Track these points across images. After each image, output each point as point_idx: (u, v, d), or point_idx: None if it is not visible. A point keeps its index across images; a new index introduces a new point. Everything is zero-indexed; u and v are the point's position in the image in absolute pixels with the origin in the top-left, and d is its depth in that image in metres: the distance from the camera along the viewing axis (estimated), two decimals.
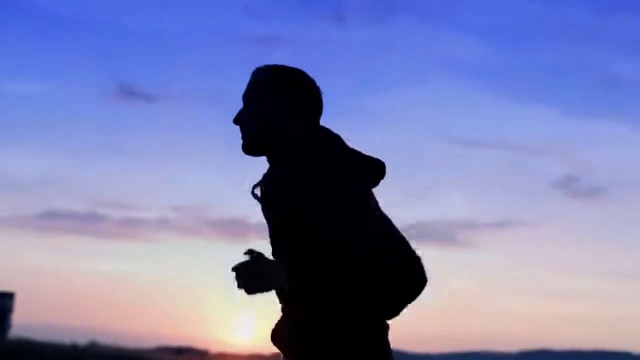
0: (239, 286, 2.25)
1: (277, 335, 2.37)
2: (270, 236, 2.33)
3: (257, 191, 2.35)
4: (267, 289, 2.27)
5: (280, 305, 2.38)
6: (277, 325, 2.38)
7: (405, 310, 2.32)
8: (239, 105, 2.49)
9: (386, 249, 2.27)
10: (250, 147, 2.44)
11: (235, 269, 2.25)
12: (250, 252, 2.27)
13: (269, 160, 2.43)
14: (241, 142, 2.45)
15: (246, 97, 2.47)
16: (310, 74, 2.49)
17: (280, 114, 2.41)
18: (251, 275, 2.24)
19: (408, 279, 2.30)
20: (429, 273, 2.33)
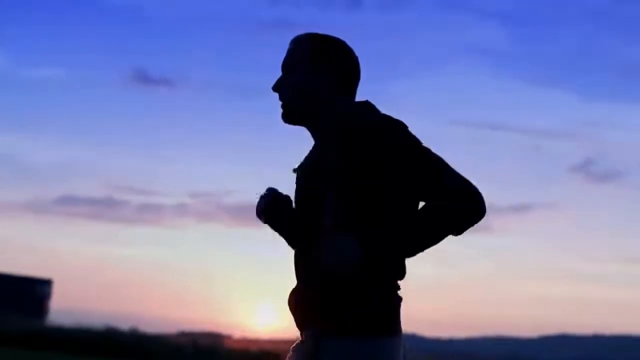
0: (260, 207, 2.46)
1: (294, 301, 2.42)
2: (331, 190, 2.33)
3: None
4: (275, 228, 2.48)
5: (295, 272, 2.43)
6: (293, 290, 2.43)
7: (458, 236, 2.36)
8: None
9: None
10: (290, 117, 2.47)
11: (269, 190, 2.46)
12: (295, 169, 2.48)
13: (311, 129, 2.48)
14: (280, 111, 2.48)
15: (285, 66, 2.49)
16: None
17: (319, 85, 2.43)
18: (272, 206, 2.44)
19: (462, 210, 2.32)
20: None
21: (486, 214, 2.35)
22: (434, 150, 2.38)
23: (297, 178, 2.51)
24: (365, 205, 2.31)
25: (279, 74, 2.51)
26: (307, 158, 2.52)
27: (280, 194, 2.48)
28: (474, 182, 2.35)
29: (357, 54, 2.50)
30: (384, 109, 2.43)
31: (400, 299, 2.38)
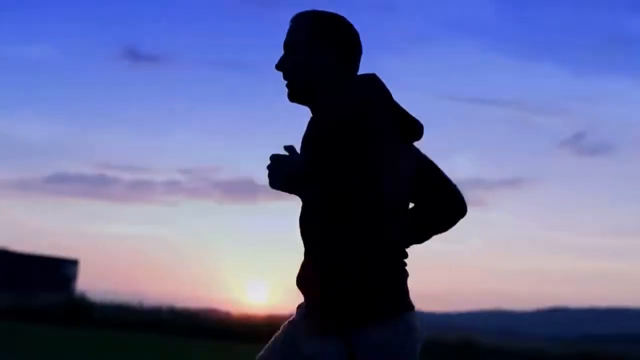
0: (268, 175, 2.37)
1: (302, 279, 2.41)
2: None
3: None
4: (285, 190, 2.37)
5: (303, 249, 2.41)
6: (301, 269, 2.42)
7: (436, 236, 2.48)
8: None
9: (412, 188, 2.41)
10: (295, 96, 2.48)
11: (271, 157, 2.37)
12: (289, 149, 2.39)
13: (311, 110, 2.47)
14: (286, 90, 2.49)
15: (287, 45, 2.50)
16: None
17: (320, 63, 2.44)
18: (276, 170, 2.35)
19: (439, 210, 2.45)
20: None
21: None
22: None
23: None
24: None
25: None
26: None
27: (277, 155, 2.40)
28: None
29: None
30: None
31: (407, 274, 2.39)
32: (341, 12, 2.54)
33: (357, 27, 2.47)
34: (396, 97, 2.41)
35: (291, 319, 2.49)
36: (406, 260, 2.39)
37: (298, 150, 2.40)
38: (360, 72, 2.47)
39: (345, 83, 2.43)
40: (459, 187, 2.48)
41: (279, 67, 2.50)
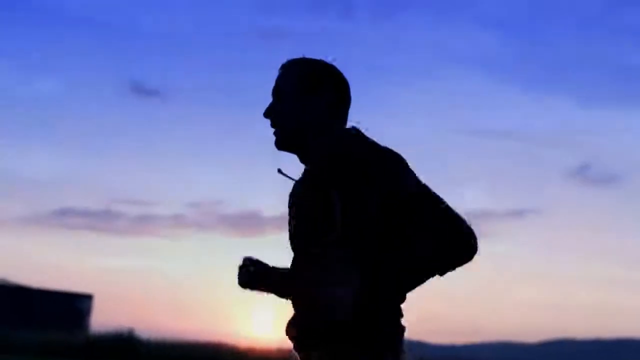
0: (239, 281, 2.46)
1: (292, 329, 2.39)
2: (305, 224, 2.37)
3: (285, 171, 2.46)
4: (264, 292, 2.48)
5: (292, 300, 2.41)
6: (292, 318, 2.40)
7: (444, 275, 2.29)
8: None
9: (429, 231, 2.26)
10: (282, 144, 2.45)
11: (241, 266, 2.45)
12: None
13: (300, 158, 2.46)
14: (274, 137, 2.46)
15: (275, 92, 2.47)
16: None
17: (308, 112, 2.41)
18: (246, 275, 2.44)
19: (446, 251, 2.25)
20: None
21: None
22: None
23: (290, 205, 2.48)
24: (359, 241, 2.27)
25: (274, 81, 2.50)
26: (298, 184, 2.48)
27: (263, 264, 2.45)
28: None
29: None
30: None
31: (403, 328, 2.35)
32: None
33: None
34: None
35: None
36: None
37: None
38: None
39: (334, 129, 2.42)
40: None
41: (267, 114, 2.46)
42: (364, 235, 2.26)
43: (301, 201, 2.42)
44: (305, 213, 2.38)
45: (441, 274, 2.28)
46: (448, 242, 2.24)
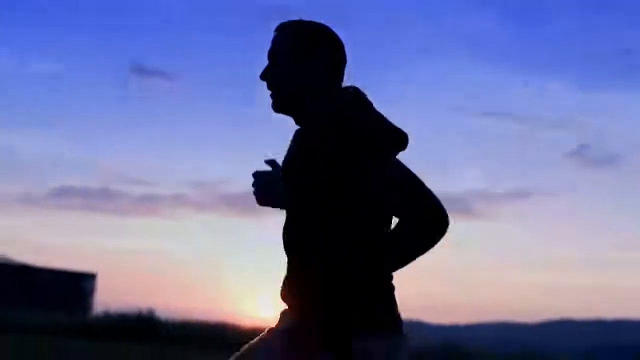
0: (254, 193, 2.35)
1: (291, 293, 2.39)
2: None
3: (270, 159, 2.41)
4: (275, 206, 2.36)
5: (287, 262, 2.41)
6: (285, 282, 2.40)
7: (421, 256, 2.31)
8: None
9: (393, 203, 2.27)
10: (278, 106, 2.44)
11: (255, 174, 2.35)
12: (271, 162, 2.36)
13: (296, 121, 2.46)
14: (270, 100, 2.45)
15: (271, 55, 2.47)
16: None
17: (304, 73, 2.41)
18: (263, 187, 2.34)
19: (420, 229, 2.26)
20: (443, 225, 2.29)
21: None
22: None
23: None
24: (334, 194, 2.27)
25: None
26: (289, 151, 2.48)
27: (261, 172, 2.38)
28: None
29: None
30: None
31: (393, 288, 2.36)
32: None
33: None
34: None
35: (273, 327, 2.45)
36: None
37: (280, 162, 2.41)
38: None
39: (331, 92, 2.41)
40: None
41: (263, 77, 2.45)
42: (360, 200, 2.26)
43: (291, 161, 2.41)
44: (292, 173, 2.36)
45: (424, 250, 2.29)
46: (434, 220, 2.26)
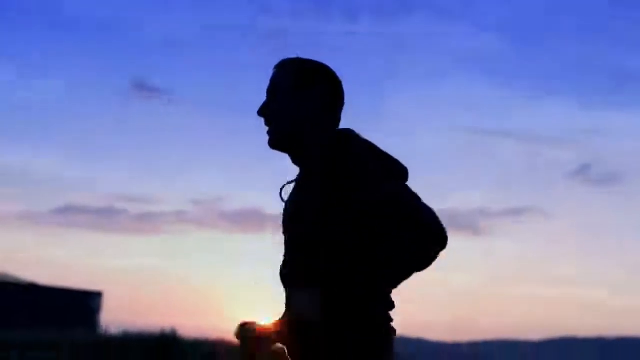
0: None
1: (282, 333, 2.37)
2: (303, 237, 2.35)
3: (284, 194, 2.46)
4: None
5: (285, 303, 2.43)
6: (281, 322, 2.39)
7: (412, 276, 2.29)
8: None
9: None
10: (275, 143, 2.44)
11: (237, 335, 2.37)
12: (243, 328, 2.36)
13: (292, 159, 2.46)
14: (267, 136, 2.45)
15: (269, 91, 2.46)
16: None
17: (301, 112, 2.40)
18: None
19: (417, 244, 2.23)
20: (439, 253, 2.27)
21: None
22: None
23: (284, 219, 2.47)
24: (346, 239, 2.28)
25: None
26: (292, 194, 2.47)
27: (262, 333, 2.37)
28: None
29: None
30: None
31: (394, 330, 2.34)
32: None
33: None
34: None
35: None
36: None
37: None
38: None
39: (329, 129, 2.41)
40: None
41: (261, 113, 2.44)
42: (346, 237, 2.27)
43: (293, 200, 2.43)
44: (294, 211, 2.39)
45: (422, 266, 2.27)
46: (431, 234, 2.23)
